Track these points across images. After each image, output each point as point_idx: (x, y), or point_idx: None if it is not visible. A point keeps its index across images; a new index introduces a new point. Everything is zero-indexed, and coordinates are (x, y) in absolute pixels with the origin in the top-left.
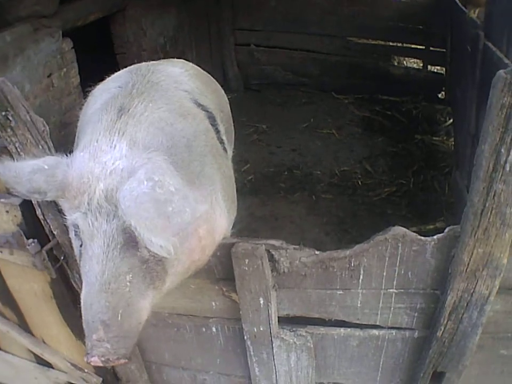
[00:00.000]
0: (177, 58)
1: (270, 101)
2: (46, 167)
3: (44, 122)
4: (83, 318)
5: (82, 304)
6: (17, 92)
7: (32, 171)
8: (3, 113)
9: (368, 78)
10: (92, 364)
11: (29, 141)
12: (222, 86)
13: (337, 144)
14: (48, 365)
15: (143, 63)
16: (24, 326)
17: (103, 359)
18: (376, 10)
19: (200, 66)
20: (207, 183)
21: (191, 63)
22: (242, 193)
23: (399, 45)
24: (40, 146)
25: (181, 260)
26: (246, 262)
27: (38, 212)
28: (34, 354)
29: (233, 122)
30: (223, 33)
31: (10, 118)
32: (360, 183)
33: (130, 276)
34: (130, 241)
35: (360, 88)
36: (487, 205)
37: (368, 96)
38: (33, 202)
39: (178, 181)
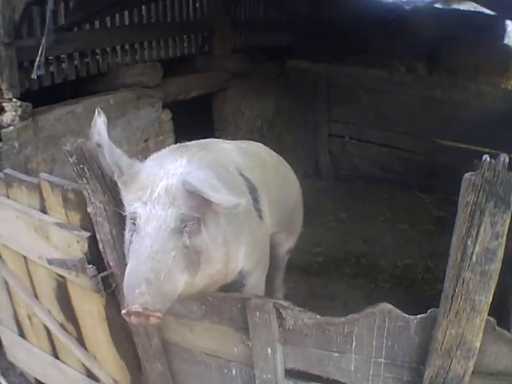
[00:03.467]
0: (273, 141)
1: (355, 192)
2: (129, 159)
3: (112, 178)
4: (125, 283)
5: (126, 273)
6: (94, 152)
7: (123, 155)
8: (81, 165)
9: (450, 179)
10: (132, 310)
11: (98, 190)
12: (312, 173)
13: (407, 239)
14: (95, 379)
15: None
16: (81, 341)
17: (142, 307)
18: (463, 115)
19: (294, 151)
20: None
21: (258, 145)
22: (308, 272)
23: (481, 149)
24: (106, 196)
25: (211, 261)
26: (257, 315)
27: (100, 245)
28: (85, 368)
29: (315, 208)
30: (318, 123)
31: (86, 171)
32: (419, 277)
33: (174, 252)
34: (178, 227)
35: (441, 188)
36: (456, 291)
37: (447, 196)
38: (97, 237)
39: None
